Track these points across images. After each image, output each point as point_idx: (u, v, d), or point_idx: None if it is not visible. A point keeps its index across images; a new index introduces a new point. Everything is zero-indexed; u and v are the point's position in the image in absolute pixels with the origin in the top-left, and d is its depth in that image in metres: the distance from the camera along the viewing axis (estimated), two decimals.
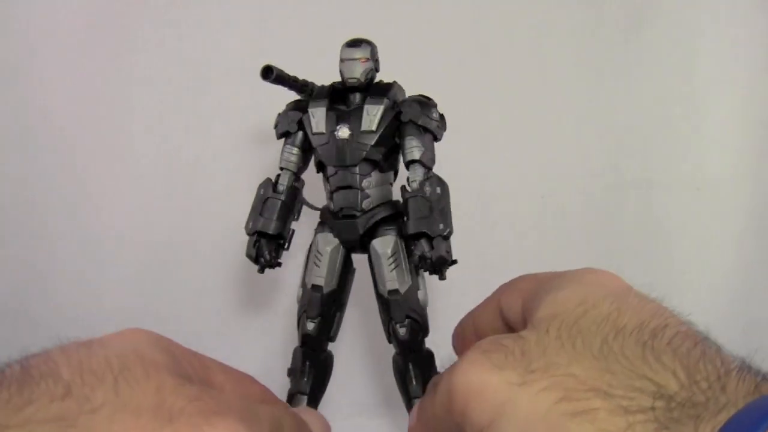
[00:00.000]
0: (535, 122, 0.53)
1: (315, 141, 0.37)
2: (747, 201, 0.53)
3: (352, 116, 0.37)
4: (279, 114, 0.39)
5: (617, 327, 0.20)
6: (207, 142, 0.52)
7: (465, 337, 0.33)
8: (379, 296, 0.38)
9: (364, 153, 0.36)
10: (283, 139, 0.39)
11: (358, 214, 0.37)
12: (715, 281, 0.54)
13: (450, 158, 0.50)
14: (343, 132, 0.36)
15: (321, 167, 0.38)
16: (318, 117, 0.37)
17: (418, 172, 0.36)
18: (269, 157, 0.51)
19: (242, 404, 0.22)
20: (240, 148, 0.52)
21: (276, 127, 0.39)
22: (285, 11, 0.52)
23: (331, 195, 0.37)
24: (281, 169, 0.39)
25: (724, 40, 0.53)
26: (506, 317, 0.29)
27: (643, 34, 0.53)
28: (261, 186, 0.39)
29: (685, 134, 0.54)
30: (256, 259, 0.38)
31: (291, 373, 0.39)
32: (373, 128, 0.36)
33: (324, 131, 0.37)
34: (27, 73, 0.50)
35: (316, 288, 0.38)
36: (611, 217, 0.54)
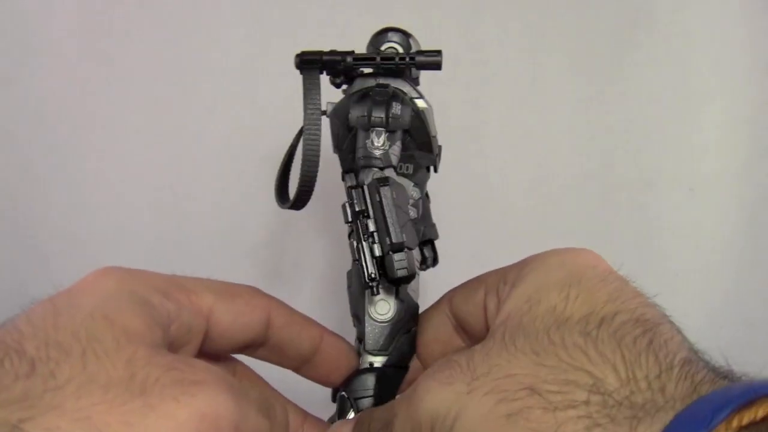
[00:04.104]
0: (530, 123, 0.53)
1: None
2: (741, 201, 0.54)
3: None
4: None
5: (562, 318, 0.20)
6: (205, 142, 0.52)
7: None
8: None
9: None
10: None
11: None
12: (709, 281, 0.54)
13: (446, 159, 0.51)
14: None
15: None
16: None
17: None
18: (268, 155, 0.51)
19: (227, 376, 0.20)
20: (240, 148, 0.52)
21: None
22: (286, 10, 0.52)
23: None
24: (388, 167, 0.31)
25: (719, 41, 0.53)
26: (464, 323, 0.28)
27: (637, 35, 0.53)
28: (391, 188, 0.29)
29: (679, 135, 0.54)
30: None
31: None
32: None
33: None
34: (22, 73, 0.50)
35: None
36: (605, 218, 0.54)
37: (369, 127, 0.30)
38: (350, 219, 0.30)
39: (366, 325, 0.30)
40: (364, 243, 0.29)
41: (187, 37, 0.51)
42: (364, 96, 0.31)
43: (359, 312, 0.31)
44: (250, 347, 0.27)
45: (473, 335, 0.28)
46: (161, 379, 0.18)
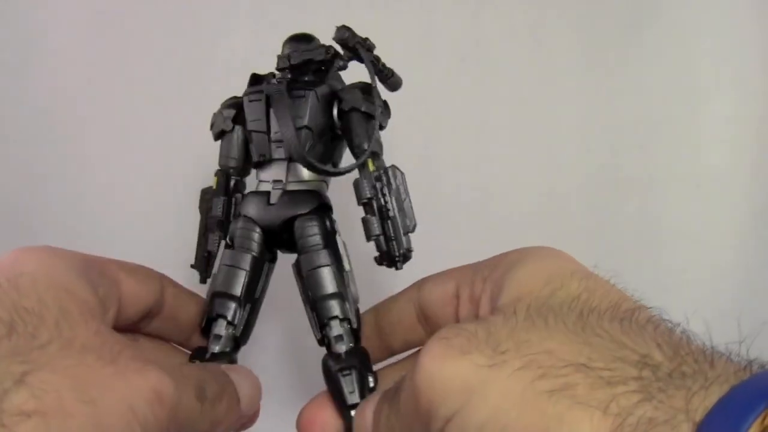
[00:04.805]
0: (535, 120, 0.53)
1: None
2: (747, 198, 0.53)
3: None
4: None
5: (588, 307, 0.19)
6: (210, 143, 0.52)
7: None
8: None
9: None
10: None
11: None
12: (716, 279, 0.54)
13: (449, 156, 0.50)
14: None
15: None
16: None
17: None
18: None
19: (167, 360, 0.23)
20: None
21: None
22: (291, 9, 0.52)
23: None
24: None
25: (726, 36, 0.53)
26: (427, 310, 0.29)
27: (643, 31, 0.53)
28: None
29: (685, 131, 0.54)
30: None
31: None
32: None
33: None
34: (24, 72, 0.50)
35: None
36: (611, 215, 0.54)
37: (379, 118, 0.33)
38: (389, 197, 0.31)
39: (352, 305, 0.30)
40: (398, 220, 0.30)
41: (191, 36, 0.51)
42: (369, 87, 0.32)
43: (343, 291, 0.30)
44: (150, 315, 0.29)
45: (433, 323, 0.29)
46: (123, 353, 0.20)
